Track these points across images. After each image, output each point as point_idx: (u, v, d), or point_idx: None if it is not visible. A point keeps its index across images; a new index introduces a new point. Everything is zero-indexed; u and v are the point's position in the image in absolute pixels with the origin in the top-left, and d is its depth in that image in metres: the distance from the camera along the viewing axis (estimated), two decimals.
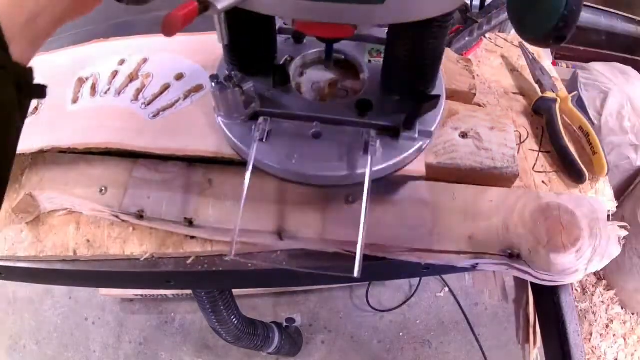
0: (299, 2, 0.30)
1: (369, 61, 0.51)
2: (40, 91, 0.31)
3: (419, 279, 1.36)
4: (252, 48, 0.46)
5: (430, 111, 0.44)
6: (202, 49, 0.58)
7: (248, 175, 0.40)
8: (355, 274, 0.35)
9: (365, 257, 0.46)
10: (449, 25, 0.42)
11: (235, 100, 0.42)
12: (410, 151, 0.44)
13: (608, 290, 1.37)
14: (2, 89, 0.26)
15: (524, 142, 0.57)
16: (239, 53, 0.46)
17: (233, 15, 0.37)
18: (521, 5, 0.34)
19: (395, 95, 0.46)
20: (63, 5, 0.30)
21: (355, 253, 0.46)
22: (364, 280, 1.27)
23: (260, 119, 0.43)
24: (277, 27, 0.50)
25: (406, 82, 0.45)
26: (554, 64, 1.31)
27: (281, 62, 0.49)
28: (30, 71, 0.29)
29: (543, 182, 0.53)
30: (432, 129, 0.45)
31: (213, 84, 0.41)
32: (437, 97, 0.43)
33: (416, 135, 0.43)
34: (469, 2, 0.70)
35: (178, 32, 0.29)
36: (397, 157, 0.43)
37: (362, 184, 0.40)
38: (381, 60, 0.49)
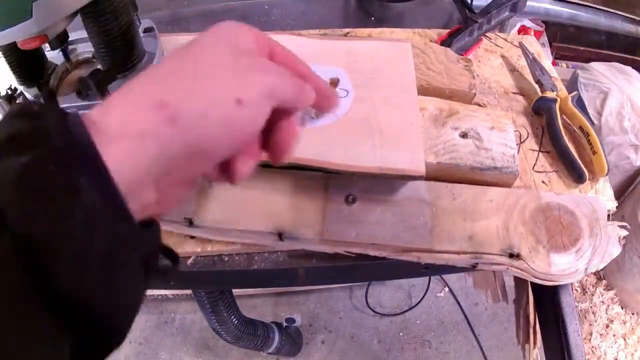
0: None
1: None
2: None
3: (420, 282, 1.36)
4: (24, 67, 0.50)
5: (109, 83, 0.46)
6: None
7: None
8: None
9: (365, 257, 0.46)
10: (104, 13, 0.44)
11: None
12: None
13: (608, 290, 1.37)
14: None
15: (523, 142, 0.57)
16: (16, 70, 0.49)
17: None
18: None
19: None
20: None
21: (355, 254, 0.46)
22: (364, 280, 1.27)
23: None
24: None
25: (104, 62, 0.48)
26: (554, 64, 1.31)
27: (49, 72, 0.52)
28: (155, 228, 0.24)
29: (543, 182, 0.53)
30: None
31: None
32: (106, 71, 0.46)
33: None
34: (469, 2, 0.70)
35: None
36: None
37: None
38: None
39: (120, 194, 0.19)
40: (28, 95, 0.49)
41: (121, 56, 0.49)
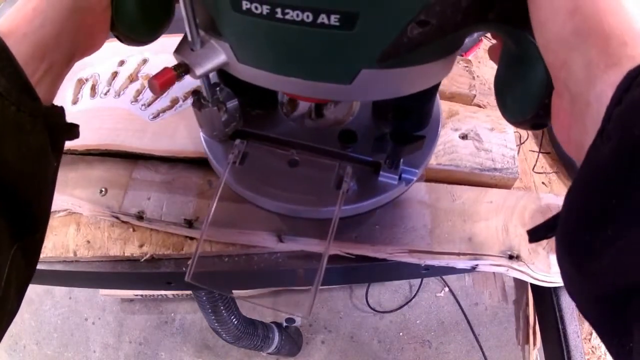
0: (273, 76, 0.30)
1: None
2: (72, 131, 0.32)
3: (419, 280, 1.36)
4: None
5: (414, 152, 0.40)
6: None
7: (215, 200, 0.38)
8: (306, 314, 0.33)
9: (365, 258, 0.46)
10: (437, 86, 0.39)
11: (214, 118, 0.39)
12: (387, 194, 0.40)
13: None
14: (35, 135, 0.28)
15: (523, 143, 0.57)
16: (228, 77, 0.45)
17: None
18: (503, 85, 0.31)
19: (383, 130, 0.43)
20: (78, 48, 0.32)
21: (355, 255, 0.46)
22: (364, 281, 1.27)
23: (237, 141, 0.41)
24: None
25: (393, 123, 0.43)
26: None
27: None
28: (61, 111, 0.31)
29: (543, 183, 0.53)
30: (418, 170, 0.41)
31: (194, 100, 0.39)
32: (421, 138, 0.39)
33: (396, 179, 0.40)
34: None
35: (160, 94, 0.30)
36: (370, 198, 0.40)
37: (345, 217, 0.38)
38: None
39: (23, 76, 0.26)
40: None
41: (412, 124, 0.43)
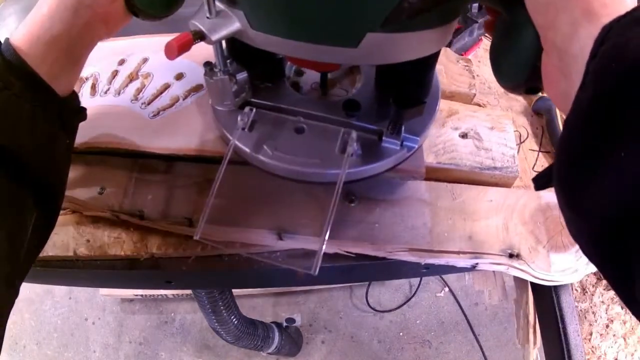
0: (285, 41, 0.32)
1: None
2: (82, 113, 0.38)
3: (419, 279, 1.36)
4: (251, 50, 0.47)
5: (414, 117, 0.42)
6: (202, 48, 0.58)
7: (225, 161, 0.40)
8: (314, 271, 0.35)
9: (364, 257, 0.46)
10: (436, 56, 0.41)
11: (225, 88, 0.43)
12: (390, 159, 0.42)
13: (608, 290, 1.37)
14: (47, 122, 0.32)
15: (523, 142, 0.57)
16: (238, 51, 0.46)
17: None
18: (498, 52, 0.33)
19: (387, 99, 0.45)
20: (95, 35, 0.35)
21: (355, 254, 0.46)
22: (364, 280, 1.27)
23: (246, 108, 0.43)
24: None
25: (395, 91, 0.44)
26: None
27: (280, 56, 0.49)
28: (75, 97, 0.35)
29: None
30: (419, 137, 0.43)
31: (206, 70, 0.42)
32: (422, 103, 0.41)
33: (398, 144, 0.42)
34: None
35: (176, 57, 0.33)
36: (374, 162, 0.42)
37: (350, 182, 0.40)
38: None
39: (36, 77, 0.31)
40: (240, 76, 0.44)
41: (413, 90, 0.44)
